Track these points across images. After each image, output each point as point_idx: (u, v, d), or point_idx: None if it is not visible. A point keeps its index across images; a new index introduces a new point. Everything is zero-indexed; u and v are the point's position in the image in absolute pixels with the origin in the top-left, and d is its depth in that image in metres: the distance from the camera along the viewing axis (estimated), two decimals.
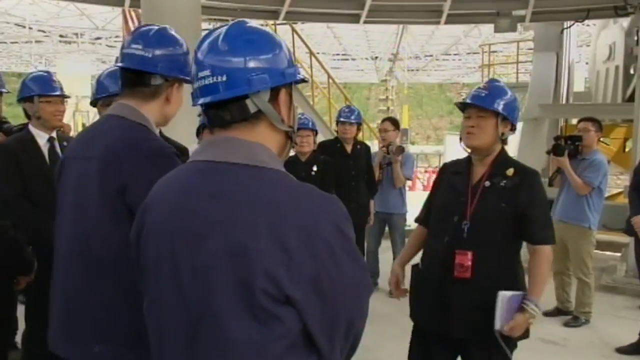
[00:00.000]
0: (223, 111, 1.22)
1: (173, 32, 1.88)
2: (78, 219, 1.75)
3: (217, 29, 1.27)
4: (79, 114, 19.62)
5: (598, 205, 4.88)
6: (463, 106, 2.49)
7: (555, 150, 4.90)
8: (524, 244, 2.52)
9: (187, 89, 1.70)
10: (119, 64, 1.82)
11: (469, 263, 2.35)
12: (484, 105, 2.39)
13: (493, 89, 2.44)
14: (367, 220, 5.34)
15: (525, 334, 2.44)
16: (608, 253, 7.16)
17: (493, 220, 2.39)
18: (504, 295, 2.27)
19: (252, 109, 1.21)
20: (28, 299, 3.15)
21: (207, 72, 1.20)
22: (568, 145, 4.89)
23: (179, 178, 1.28)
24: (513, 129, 2.48)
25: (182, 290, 1.18)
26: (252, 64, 1.20)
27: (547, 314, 5.21)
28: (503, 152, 2.49)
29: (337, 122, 5.24)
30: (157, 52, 1.78)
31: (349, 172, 5.00)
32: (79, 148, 1.84)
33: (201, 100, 1.23)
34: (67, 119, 4.59)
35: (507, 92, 2.45)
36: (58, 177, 1.88)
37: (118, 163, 1.66)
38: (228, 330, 1.13)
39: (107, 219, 1.68)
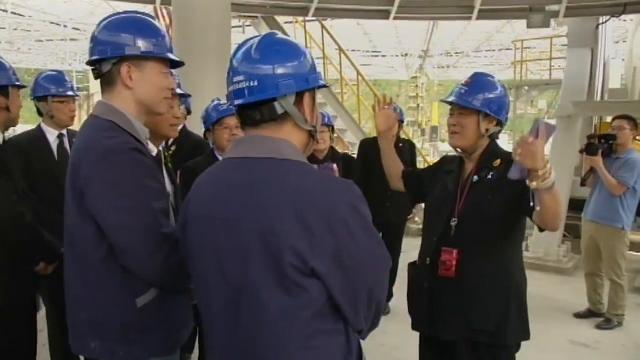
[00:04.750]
0: (254, 112, 1.42)
1: (122, 17, 1.85)
2: (66, 218, 1.82)
3: (249, 39, 1.47)
4: None
5: (632, 206, 4.76)
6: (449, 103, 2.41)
7: (589, 150, 4.79)
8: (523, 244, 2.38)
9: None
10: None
11: (454, 262, 2.28)
12: (462, 104, 2.32)
13: (475, 84, 2.35)
14: (408, 218, 5.30)
15: (526, 337, 2.38)
16: None
17: (482, 215, 2.29)
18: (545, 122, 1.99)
19: (280, 110, 1.41)
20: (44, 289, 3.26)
21: (241, 78, 1.40)
22: (602, 144, 4.78)
23: (216, 173, 1.48)
24: (500, 124, 2.37)
25: (224, 268, 1.38)
26: (280, 71, 1.39)
27: (578, 315, 5.13)
28: (491, 146, 2.38)
29: None
30: (100, 38, 1.77)
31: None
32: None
33: (235, 102, 1.42)
34: None
35: (492, 86, 2.35)
36: None
37: (78, 167, 1.70)
38: (263, 300, 1.32)
39: (80, 219, 1.72)
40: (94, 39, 1.78)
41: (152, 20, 1.87)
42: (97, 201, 1.67)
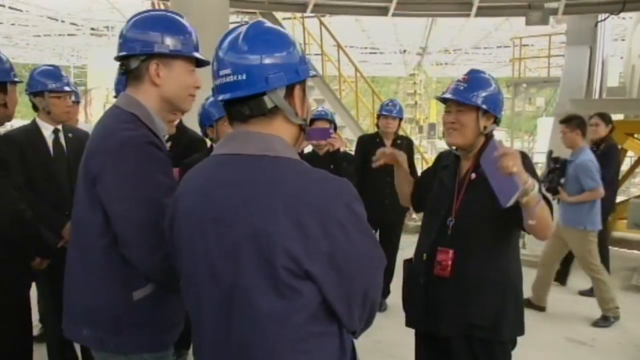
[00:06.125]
0: (242, 107, 1.34)
1: (151, 14, 1.89)
2: (75, 204, 1.84)
3: (237, 27, 1.37)
4: (109, 105, 19.89)
5: (596, 204, 4.80)
6: (444, 100, 2.37)
7: (551, 191, 4.84)
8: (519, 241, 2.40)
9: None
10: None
11: (449, 262, 2.27)
12: (462, 100, 2.27)
13: (473, 81, 2.30)
14: (405, 215, 5.29)
15: (520, 332, 2.36)
16: (638, 252, 7.01)
17: (480, 213, 2.27)
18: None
19: (269, 104, 1.33)
20: (40, 283, 3.26)
21: (227, 71, 1.32)
22: (555, 178, 4.87)
23: (205, 169, 1.40)
24: (497, 122, 2.34)
25: (214, 268, 1.31)
26: (269, 63, 1.31)
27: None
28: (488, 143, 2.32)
29: (379, 115, 5.10)
30: (129, 35, 1.79)
31: (384, 167, 4.88)
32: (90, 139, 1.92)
33: (222, 97, 1.34)
34: (97, 110, 4.63)
35: (489, 83, 2.32)
36: None
37: (95, 153, 1.72)
38: (255, 303, 1.26)
39: (87, 206, 1.74)
40: (122, 36, 1.80)
41: (180, 18, 1.88)
42: (108, 189, 1.68)
